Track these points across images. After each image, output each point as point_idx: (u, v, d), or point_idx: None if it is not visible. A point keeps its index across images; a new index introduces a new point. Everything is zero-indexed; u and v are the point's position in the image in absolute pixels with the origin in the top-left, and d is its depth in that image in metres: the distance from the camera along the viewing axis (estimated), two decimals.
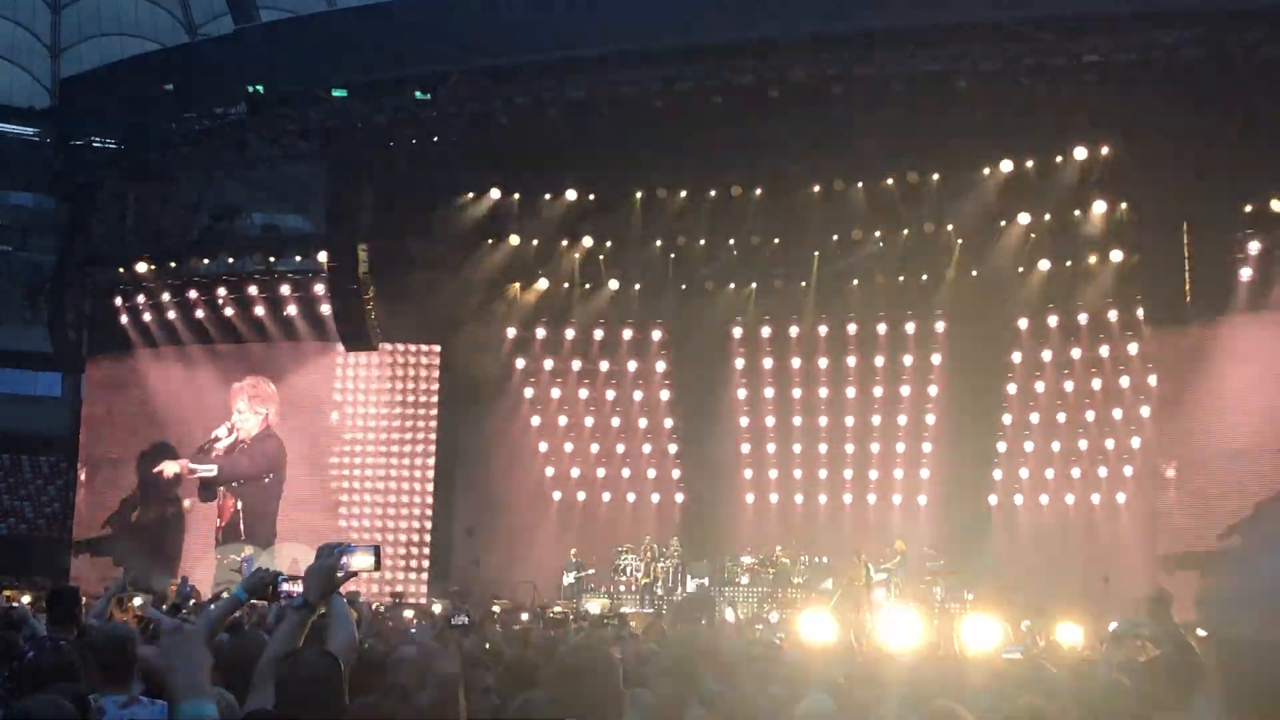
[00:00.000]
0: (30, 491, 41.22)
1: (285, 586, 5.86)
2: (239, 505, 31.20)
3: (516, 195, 29.82)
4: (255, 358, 31.42)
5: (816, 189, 28.65)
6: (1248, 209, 25.43)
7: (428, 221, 29.47)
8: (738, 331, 30.99)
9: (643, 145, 27.67)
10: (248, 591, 6.09)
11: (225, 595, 6.54)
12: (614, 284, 30.74)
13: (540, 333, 31.21)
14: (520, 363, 31.36)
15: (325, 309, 30.36)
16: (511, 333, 31.12)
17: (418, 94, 27.67)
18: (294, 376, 31.17)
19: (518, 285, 30.87)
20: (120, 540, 31.60)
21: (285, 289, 30.97)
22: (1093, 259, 27.62)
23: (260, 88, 28.96)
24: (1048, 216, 27.51)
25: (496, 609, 22.88)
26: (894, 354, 30.13)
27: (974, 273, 28.87)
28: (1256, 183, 25.00)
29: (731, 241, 29.81)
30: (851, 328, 30.22)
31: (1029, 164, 27.15)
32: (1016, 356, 29.13)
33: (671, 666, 7.17)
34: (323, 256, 30.16)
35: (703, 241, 29.93)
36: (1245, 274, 25.34)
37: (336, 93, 28.34)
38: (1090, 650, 10.75)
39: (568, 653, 5.84)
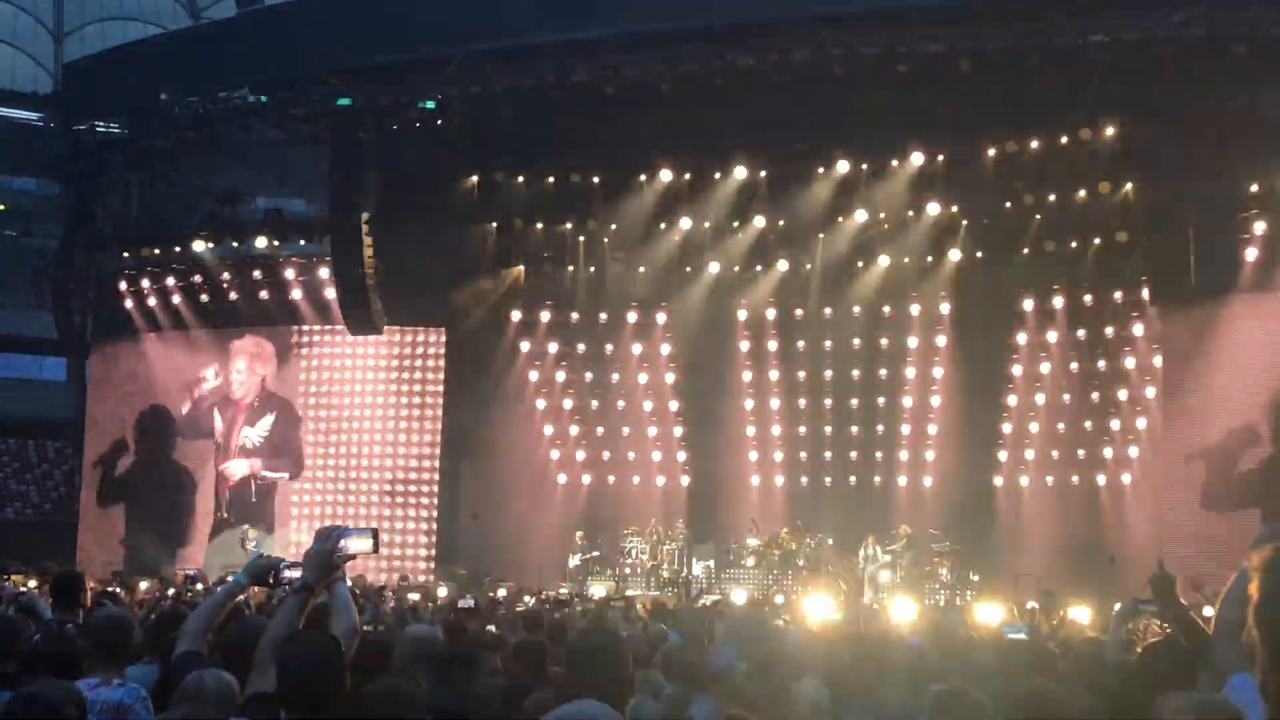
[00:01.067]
0: (36, 476, 41.35)
1: (286, 573, 5.87)
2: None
3: (520, 178, 29.80)
4: (260, 341, 31.46)
5: (820, 170, 28.55)
6: (1253, 189, 25.36)
7: (432, 205, 29.43)
8: (742, 313, 30.96)
9: (646, 127, 27.66)
10: (249, 577, 6.11)
11: (229, 579, 6.54)
12: (618, 266, 30.71)
13: (545, 315, 31.20)
14: (525, 345, 31.34)
15: (330, 293, 30.39)
16: (516, 315, 31.11)
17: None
18: (299, 360, 31.22)
19: (522, 268, 30.87)
20: (128, 524, 31.73)
21: (290, 273, 31.01)
22: (1098, 240, 27.56)
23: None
24: (1052, 197, 27.41)
25: (502, 592, 22.96)
26: (899, 336, 30.08)
27: (978, 254, 28.82)
28: (1261, 163, 24.93)
29: (736, 223, 29.74)
30: (856, 309, 30.15)
31: (1034, 144, 27.04)
32: (1022, 338, 29.08)
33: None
34: (327, 240, 30.17)
35: (707, 223, 29.86)
36: (1251, 254, 25.28)
37: (342, 101, 28.33)
38: (1096, 630, 10.76)
39: (578, 635, 5.86)
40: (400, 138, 28.79)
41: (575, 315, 31.16)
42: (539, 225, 30.20)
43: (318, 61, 28.54)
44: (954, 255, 28.83)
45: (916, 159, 27.90)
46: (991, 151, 27.31)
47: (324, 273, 30.44)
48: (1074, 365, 28.76)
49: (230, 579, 6.39)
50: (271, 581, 6.05)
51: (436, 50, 27.65)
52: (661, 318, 31.18)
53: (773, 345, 30.87)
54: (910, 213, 28.59)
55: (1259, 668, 2.44)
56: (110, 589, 16.28)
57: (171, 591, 18.86)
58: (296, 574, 5.74)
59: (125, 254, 32.47)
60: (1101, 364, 28.45)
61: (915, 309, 29.80)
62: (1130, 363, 27.99)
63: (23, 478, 41.14)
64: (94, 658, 6.26)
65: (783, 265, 30.19)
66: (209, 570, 27.01)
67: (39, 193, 46.19)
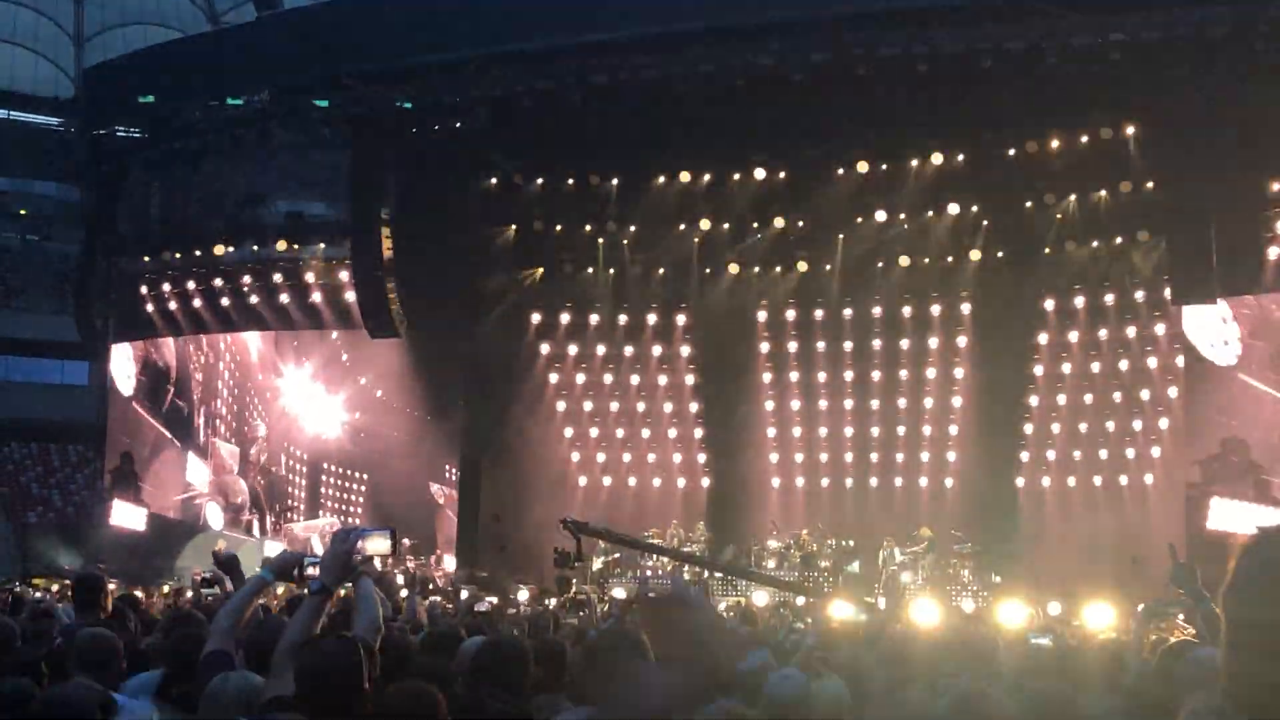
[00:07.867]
0: (59, 480, 41.46)
1: (311, 569, 5.86)
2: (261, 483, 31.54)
3: (540, 180, 29.76)
4: (280, 344, 31.54)
5: (840, 171, 28.49)
6: (1275, 188, 25.24)
7: (451, 207, 29.44)
8: (762, 315, 30.91)
9: (666, 128, 27.53)
10: (274, 573, 6.09)
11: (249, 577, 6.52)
12: (638, 268, 30.67)
13: (565, 318, 31.19)
14: (545, 348, 31.36)
15: (350, 296, 30.40)
16: (536, 318, 31.11)
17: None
18: (319, 363, 31.27)
19: (541, 270, 30.84)
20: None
21: (310, 276, 31.02)
22: (1119, 239, 27.46)
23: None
24: (1073, 196, 27.35)
25: (523, 594, 22.95)
26: (920, 336, 30.01)
27: (999, 254, 28.73)
28: None
29: (755, 224, 29.69)
30: (877, 310, 30.10)
31: (1054, 144, 26.96)
32: (1043, 338, 29.00)
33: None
34: (348, 243, 30.20)
35: (727, 225, 29.82)
36: (1273, 253, 25.17)
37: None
38: (1120, 632, 10.69)
39: (597, 636, 5.82)
40: (420, 140, 28.79)
41: (595, 317, 31.14)
42: (558, 227, 30.15)
43: (337, 65, 28.53)
44: (975, 255, 28.73)
45: (936, 159, 27.83)
46: (1012, 151, 27.23)
47: (344, 275, 30.46)
48: (1096, 365, 28.64)
49: (256, 574, 6.37)
50: (296, 575, 6.04)
51: (456, 53, 27.63)
52: (681, 319, 31.13)
53: (793, 346, 30.82)
54: (930, 213, 28.53)
55: (1220, 661, 2.33)
56: (131, 591, 16.30)
57: (190, 595, 18.86)
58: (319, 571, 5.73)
59: (146, 258, 32.52)
60: (1124, 364, 28.33)
61: (936, 309, 29.71)
62: (1153, 362, 27.89)
63: (46, 482, 41.28)
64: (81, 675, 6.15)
65: (803, 266, 30.12)
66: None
67: (60, 197, 46.37)
